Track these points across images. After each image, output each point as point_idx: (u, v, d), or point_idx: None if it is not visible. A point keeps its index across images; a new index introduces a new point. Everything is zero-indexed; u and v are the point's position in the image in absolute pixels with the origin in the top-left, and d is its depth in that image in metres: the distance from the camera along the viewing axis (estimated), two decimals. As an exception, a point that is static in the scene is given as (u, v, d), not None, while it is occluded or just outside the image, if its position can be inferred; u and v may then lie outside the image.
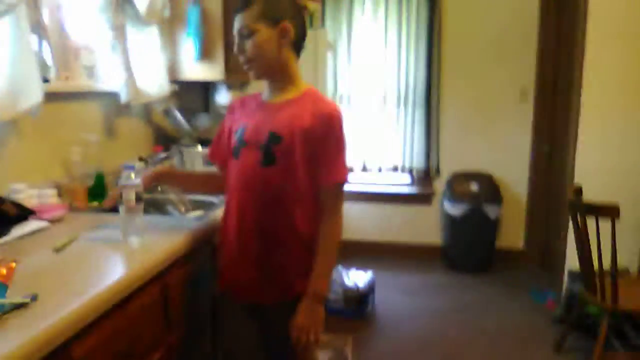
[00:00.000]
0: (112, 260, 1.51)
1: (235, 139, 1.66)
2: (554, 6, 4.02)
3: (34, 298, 1.13)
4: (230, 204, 1.66)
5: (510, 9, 4.17)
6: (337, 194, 1.61)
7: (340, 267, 3.59)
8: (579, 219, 2.65)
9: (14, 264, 1.20)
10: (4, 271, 1.15)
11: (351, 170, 4.52)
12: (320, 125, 1.54)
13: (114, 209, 2.00)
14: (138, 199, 1.60)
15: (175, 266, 1.60)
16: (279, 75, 1.62)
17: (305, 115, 1.55)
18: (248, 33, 1.55)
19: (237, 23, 1.58)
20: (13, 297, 1.11)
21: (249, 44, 1.56)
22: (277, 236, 1.59)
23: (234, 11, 1.61)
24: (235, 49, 1.61)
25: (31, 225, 1.71)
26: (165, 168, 2.00)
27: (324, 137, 1.55)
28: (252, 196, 1.59)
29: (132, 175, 1.60)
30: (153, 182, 1.86)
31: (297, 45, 1.63)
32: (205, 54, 3.01)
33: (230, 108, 1.80)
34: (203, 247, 1.79)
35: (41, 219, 1.78)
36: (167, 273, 1.55)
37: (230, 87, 3.29)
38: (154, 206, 2.31)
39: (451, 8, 4.25)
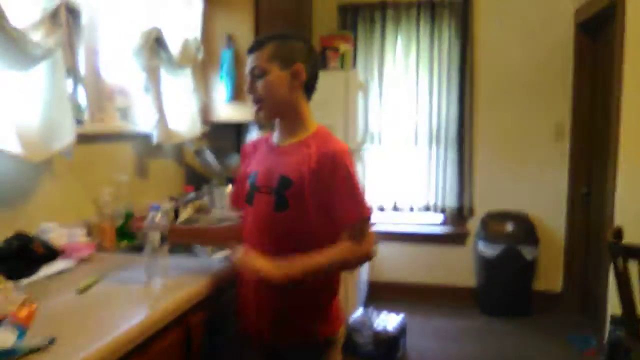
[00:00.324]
0: (133, 303, 1.50)
1: (248, 184, 1.65)
2: (589, 42, 3.97)
3: (52, 341, 1.13)
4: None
5: (544, 46, 4.13)
6: (361, 230, 1.53)
7: (370, 310, 3.51)
8: (619, 262, 2.54)
9: (34, 306, 1.20)
10: (24, 313, 1.15)
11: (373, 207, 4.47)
12: (326, 167, 1.51)
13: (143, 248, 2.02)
14: (163, 240, 1.60)
15: (199, 308, 1.58)
16: (289, 116, 1.61)
17: (312, 157, 1.52)
18: (260, 73, 1.55)
19: (250, 63, 1.58)
20: (31, 340, 1.11)
21: (260, 84, 1.55)
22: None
23: (247, 51, 1.61)
24: (246, 88, 1.61)
25: (59, 265, 1.73)
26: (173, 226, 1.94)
27: (332, 178, 1.51)
28: (267, 241, 1.56)
29: (158, 216, 1.61)
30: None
31: (309, 87, 1.62)
32: (237, 95, 3.07)
33: (244, 153, 1.80)
34: (228, 288, 1.77)
35: (69, 258, 1.80)
36: (189, 315, 1.54)
37: (261, 127, 3.33)
38: (179, 246, 2.31)
39: (483, 46, 4.23)
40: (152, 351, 1.35)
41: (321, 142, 1.55)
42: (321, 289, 1.56)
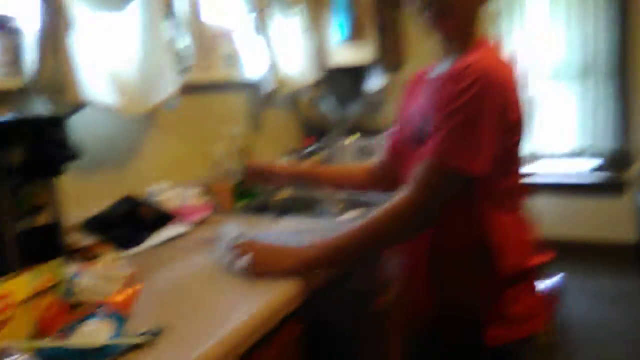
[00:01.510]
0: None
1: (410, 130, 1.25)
2: None
3: (158, 333, 0.88)
4: None
5: None
6: (426, 174, 1.06)
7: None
8: None
9: (136, 289, 0.96)
10: (122, 298, 0.91)
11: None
12: (445, 86, 1.07)
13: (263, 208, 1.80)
14: None
15: (329, 287, 1.27)
16: (463, 40, 1.15)
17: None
18: None
19: None
20: (132, 334, 0.86)
21: None
22: (447, 248, 1.15)
23: None
24: None
25: (171, 230, 1.53)
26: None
27: (440, 99, 1.08)
28: None
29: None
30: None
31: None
32: (355, 35, 2.72)
33: (405, 87, 1.38)
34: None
35: (183, 222, 1.59)
36: (319, 294, 1.23)
37: (385, 70, 2.96)
38: (302, 206, 2.05)
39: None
40: (280, 339, 1.08)
41: (463, 59, 1.10)
42: (487, 268, 1.11)
